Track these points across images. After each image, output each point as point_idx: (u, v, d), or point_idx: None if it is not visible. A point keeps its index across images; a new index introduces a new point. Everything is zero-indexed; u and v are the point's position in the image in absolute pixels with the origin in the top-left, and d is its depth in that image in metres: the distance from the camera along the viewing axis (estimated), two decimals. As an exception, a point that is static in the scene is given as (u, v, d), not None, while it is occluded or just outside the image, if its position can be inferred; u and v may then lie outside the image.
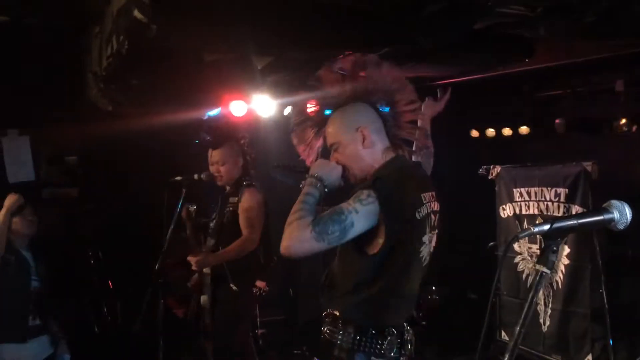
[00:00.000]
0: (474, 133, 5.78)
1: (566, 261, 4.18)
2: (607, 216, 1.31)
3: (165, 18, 1.98)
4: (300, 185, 2.11)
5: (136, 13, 1.85)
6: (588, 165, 3.88)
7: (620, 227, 1.32)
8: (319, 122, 2.19)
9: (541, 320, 4.37)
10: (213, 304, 3.68)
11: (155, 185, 3.74)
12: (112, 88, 3.13)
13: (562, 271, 4.23)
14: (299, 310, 5.72)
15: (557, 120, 4.64)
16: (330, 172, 2.08)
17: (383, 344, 2.03)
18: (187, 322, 4.33)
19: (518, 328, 1.26)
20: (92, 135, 4.48)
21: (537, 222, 1.27)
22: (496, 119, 5.56)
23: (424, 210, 2.03)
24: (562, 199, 4.22)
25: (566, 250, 4.18)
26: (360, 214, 1.91)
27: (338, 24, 2.21)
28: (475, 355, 2.89)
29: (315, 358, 4.95)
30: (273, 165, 2.51)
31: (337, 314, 2.12)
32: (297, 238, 1.91)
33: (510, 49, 3.73)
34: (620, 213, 1.31)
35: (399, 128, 2.12)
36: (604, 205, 1.33)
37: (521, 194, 4.57)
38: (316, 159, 2.18)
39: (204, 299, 3.65)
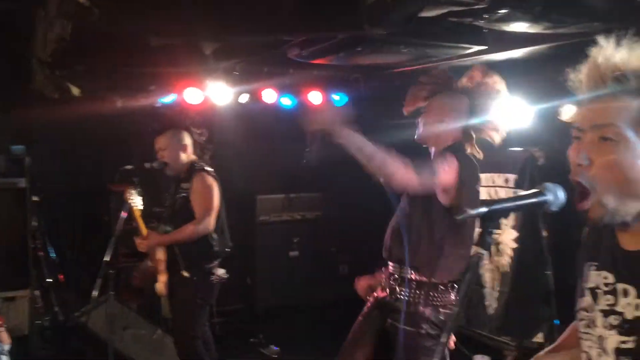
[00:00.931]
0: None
1: (514, 245, 4.31)
2: (541, 198, 1.35)
3: (109, 1, 1.93)
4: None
5: (78, -4, 1.80)
6: (535, 151, 3.99)
7: (554, 208, 1.36)
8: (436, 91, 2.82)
9: (487, 303, 4.50)
10: (169, 292, 3.65)
11: (107, 174, 3.67)
12: (58, 74, 3.03)
13: (509, 255, 4.36)
14: (257, 299, 5.73)
15: (507, 109, 4.74)
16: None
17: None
18: (142, 314, 4.29)
19: (455, 308, 1.30)
20: (40, 124, 4.34)
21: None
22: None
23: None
24: (511, 184, 4.34)
25: (514, 234, 4.31)
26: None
27: (285, 10, 2.20)
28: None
29: (272, 345, 4.97)
30: (306, 155, 2.63)
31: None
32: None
33: (464, 38, 3.78)
34: (554, 195, 1.35)
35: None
36: (539, 187, 1.37)
37: (473, 180, 4.66)
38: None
39: (159, 286, 3.62)
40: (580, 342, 1.34)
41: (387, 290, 2.76)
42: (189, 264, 3.59)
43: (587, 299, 1.32)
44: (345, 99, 5.31)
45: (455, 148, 2.69)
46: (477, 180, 2.73)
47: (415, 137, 2.80)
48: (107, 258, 3.34)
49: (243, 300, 5.70)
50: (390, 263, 2.78)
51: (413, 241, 2.61)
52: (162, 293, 3.64)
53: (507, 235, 4.38)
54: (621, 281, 1.23)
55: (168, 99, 4.45)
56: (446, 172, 2.48)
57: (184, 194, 3.64)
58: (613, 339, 1.22)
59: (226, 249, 3.80)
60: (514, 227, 4.33)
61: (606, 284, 1.27)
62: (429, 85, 2.86)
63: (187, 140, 3.73)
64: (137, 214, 3.64)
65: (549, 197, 1.34)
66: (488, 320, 4.48)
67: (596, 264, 1.33)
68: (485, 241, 1.33)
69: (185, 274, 3.56)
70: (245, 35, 2.59)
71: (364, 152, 2.35)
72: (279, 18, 2.24)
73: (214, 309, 4.77)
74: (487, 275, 4.52)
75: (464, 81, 2.82)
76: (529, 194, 1.38)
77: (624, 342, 1.20)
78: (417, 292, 2.59)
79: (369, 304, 2.91)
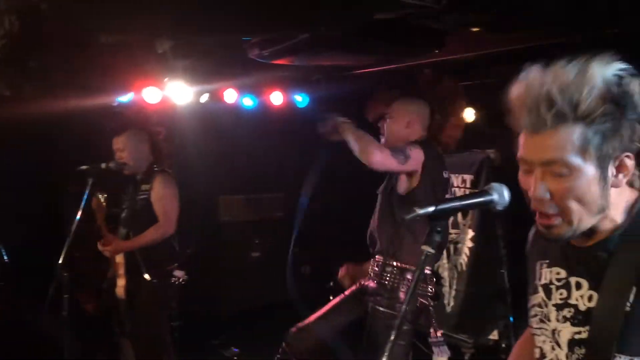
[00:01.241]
0: (390, 122, 5.92)
1: (470, 244, 4.40)
2: (487, 198, 1.38)
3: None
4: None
5: (24, -10, 1.74)
6: (491, 153, 4.08)
7: (500, 208, 1.40)
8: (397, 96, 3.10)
9: (446, 302, 4.58)
10: (128, 295, 3.60)
11: (61, 175, 3.58)
12: (8, 72, 2.94)
13: (466, 254, 4.45)
14: (218, 301, 5.67)
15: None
16: None
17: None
18: (99, 318, 4.20)
19: (404, 306, 1.32)
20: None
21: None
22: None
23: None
24: (468, 185, 4.43)
25: (470, 233, 4.40)
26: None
27: (240, 10, 2.19)
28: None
29: (232, 347, 4.93)
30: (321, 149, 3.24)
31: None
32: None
33: (421, 40, 3.84)
34: (500, 195, 1.39)
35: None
36: (485, 187, 1.41)
37: (430, 181, 4.74)
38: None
39: (119, 290, 3.56)
40: (534, 338, 1.39)
41: (372, 277, 2.97)
42: (150, 266, 3.54)
43: (540, 296, 1.36)
44: (307, 99, 5.32)
45: (421, 142, 2.92)
46: (442, 171, 2.92)
47: (382, 142, 2.98)
48: (60, 260, 3.27)
49: (204, 302, 5.64)
50: (375, 253, 3.02)
51: (392, 231, 2.82)
52: (122, 296, 3.58)
53: (465, 235, 4.47)
54: (573, 275, 1.29)
55: (126, 97, 4.37)
56: (413, 158, 2.78)
57: (144, 196, 3.60)
58: (567, 331, 1.27)
59: (187, 251, 3.77)
60: (470, 227, 4.42)
61: (559, 279, 1.32)
62: (389, 90, 3.06)
63: (147, 140, 3.68)
64: (102, 218, 3.58)
65: (495, 196, 1.38)
66: (446, 318, 4.56)
67: (547, 261, 1.38)
68: (433, 240, 1.36)
69: (147, 276, 3.52)
70: (199, 34, 2.57)
71: (355, 135, 2.76)
72: (234, 17, 2.23)
73: (174, 311, 4.70)
74: (446, 273, 4.60)
75: (420, 85, 2.97)
76: (474, 194, 1.42)
77: (577, 332, 1.25)
78: (398, 277, 2.80)
79: (354, 288, 3.10)
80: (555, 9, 3.09)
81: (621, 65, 1.16)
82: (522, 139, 1.22)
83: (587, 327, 1.22)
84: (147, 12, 2.08)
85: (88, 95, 3.82)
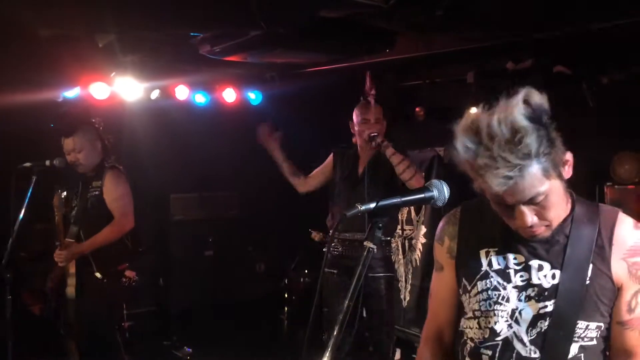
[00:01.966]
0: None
1: (423, 240, 4.48)
2: (427, 194, 1.41)
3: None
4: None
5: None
6: (440, 151, 4.16)
7: (439, 204, 1.43)
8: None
9: (402, 297, 4.66)
10: (78, 295, 3.49)
11: (4, 172, 3.44)
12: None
13: (419, 249, 4.53)
14: (170, 300, 5.59)
15: (416, 109, 4.92)
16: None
17: None
18: (45, 319, 4.06)
19: (347, 301, 1.33)
20: None
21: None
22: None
23: None
24: (420, 182, 4.50)
25: (423, 229, 4.48)
26: None
27: (192, 4, 2.16)
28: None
29: (185, 347, 4.87)
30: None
31: None
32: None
33: (372, 39, 3.88)
34: (439, 191, 1.42)
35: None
36: (426, 184, 1.44)
37: (383, 178, 4.80)
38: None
39: (69, 290, 3.45)
40: (474, 320, 1.51)
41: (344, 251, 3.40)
42: (100, 265, 3.45)
43: (493, 280, 1.49)
44: (261, 97, 5.30)
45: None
46: None
47: (374, 135, 3.41)
48: (4, 261, 3.16)
49: (155, 301, 5.55)
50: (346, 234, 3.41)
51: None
52: (71, 296, 3.47)
53: (418, 231, 4.55)
54: (534, 258, 1.46)
55: (72, 93, 4.24)
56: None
57: (95, 192, 3.51)
58: (532, 308, 1.43)
59: (139, 249, 3.69)
60: (423, 223, 4.50)
61: (517, 264, 1.48)
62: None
63: (97, 137, 3.58)
64: (60, 217, 3.45)
65: (434, 193, 1.41)
66: (403, 312, 4.64)
67: (496, 249, 1.50)
68: (374, 235, 1.37)
69: (98, 275, 3.43)
70: (143, 29, 2.51)
71: (405, 162, 3.42)
72: (178, 11, 2.19)
73: (125, 311, 4.61)
74: (401, 269, 4.68)
75: (368, 88, 3.12)
76: (415, 190, 1.45)
77: (543, 307, 1.43)
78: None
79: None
80: (499, 10, 3.18)
81: (522, 90, 1.33)
82: (495, 190, 1.31)
83: (553, 301, 1.41)
84: (84, 6, 2.02)
85: (32, 90, 3.69)
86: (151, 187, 5.17)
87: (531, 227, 1.38)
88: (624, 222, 1.44)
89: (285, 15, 2.11)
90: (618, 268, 1.41)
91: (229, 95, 5.10)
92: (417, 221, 4.60)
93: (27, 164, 3.43)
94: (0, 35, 2.39)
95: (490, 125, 1.29)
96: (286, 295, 5.51)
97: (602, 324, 1.44)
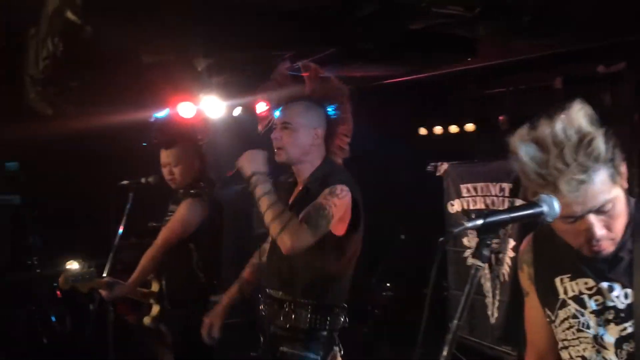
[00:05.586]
0: (422, 131, 5.90)
1: (512, 254, 4.31)
2: (536, 210, 1.35)
3: (101, 19, 1.93)
4: (250, 189, 2.30)
5: (69, 14, 1.79)
6: (529, 160, 4.00)
7: (550, 220, 1.36)
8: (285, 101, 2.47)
9: (489, 313, 4.50)
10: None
11: (102, 190, 3.64)
12: (50, 91, 3.03)
13: (508, 264, 4.36)
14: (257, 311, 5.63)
15: (500, 117, 4.78)
16: (262, 161, 2.30)
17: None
18: (141, 328, 4.23)
19: (455, 321, 1.29)
20: (34, 140, 4.33)
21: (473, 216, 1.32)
22: (443, 117, 5.69)
23: None
24: (507, 193, 4.35)
25: (511, 243, 4.31)
26: (338, 206, 2.21)
27: (276, 26, 2.21)
28: (424, 349, 2.98)
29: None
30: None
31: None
32: (299, 238, 2.14)
33: (453, 48, 3.83)
34: (549, 206, 1.35)
35: (336, 136, 2.44)
36: (534, 199, 1.38)
37: (468, 190, 4.69)
38: None
39: (146, 319, 3.42)
40: (565, 351, 1.48)
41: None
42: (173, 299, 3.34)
43: (572, 308, 1.46)
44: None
45: (339, 170, 2.41)
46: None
47: (278, 159, 2.40)
48: (105, 273, 3.30)
49: (243, 312, 5.62)
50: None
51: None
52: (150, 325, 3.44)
53: (506, 244, 4.39)
54: (603, 280, 1.41)
55: (162, 113, 4.44)
56: (337, 208, 2.21)
57: (166, 219, 3.35)
58: (613, 331, 1.38)
59: (213, 282, 3.43)
60: (511, 236, 4.34)
61: (589, 288, 1.44)
62: (276, 94, 2.52)
63: (197, 154, 3.41)
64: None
65: (544, 208, 1.35)
66: (490, 329, 4.48)
67: (568, 275, 1.48)
68: (482, 254, 1.33)
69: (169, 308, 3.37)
70: (236, 50, 2.60)
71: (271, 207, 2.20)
72: (269, 33, 2.25)
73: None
74: (487, 284, 4.52)
75: (308, 86, 2.46)
76: (524, 206, 1.38)
77: (623, 329, 1.37)
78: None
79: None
80: (587, 15, 3.06)
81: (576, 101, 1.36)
82: (561, 202, 1.30)
83: (631, 322, 1.35)
84: (183, 33, 2.11)
85: (126, 111, 3.90)
86: (231, 203, 5.27)
87: (598, 240, 1.34)
88: None
89: (378, 31, 2.11)
90: None
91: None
92: (505, 234, 4.44)
93: (124, 182, 3.55)
94: (105, 61, 2.56)
95: (554, 133, 1.31)
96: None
97: None
